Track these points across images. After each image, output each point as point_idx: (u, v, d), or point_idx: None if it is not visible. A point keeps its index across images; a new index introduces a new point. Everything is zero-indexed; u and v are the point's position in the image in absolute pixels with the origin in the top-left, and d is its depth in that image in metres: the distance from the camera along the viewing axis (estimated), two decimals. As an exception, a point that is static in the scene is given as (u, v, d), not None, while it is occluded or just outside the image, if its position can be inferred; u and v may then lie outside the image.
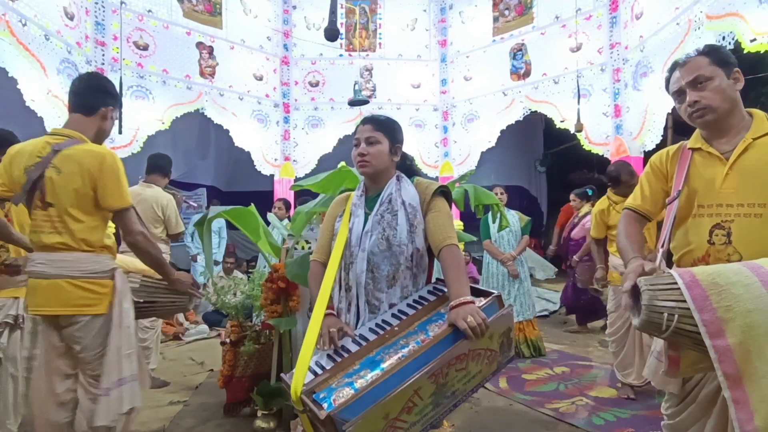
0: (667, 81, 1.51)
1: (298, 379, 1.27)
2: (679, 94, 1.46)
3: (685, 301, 1.15)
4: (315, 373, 1.31)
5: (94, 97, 1.86)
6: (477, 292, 1.47)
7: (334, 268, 1.55)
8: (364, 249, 1.55)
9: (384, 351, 1.32)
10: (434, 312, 1.45)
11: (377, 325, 1.45)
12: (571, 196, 5.49)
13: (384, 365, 1.26)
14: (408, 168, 1.77)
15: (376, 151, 1.61)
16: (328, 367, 1.31)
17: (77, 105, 1.85)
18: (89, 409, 1.72)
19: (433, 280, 1.65)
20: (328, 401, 1.18)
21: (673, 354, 1.32)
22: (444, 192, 1.63)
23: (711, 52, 1.43)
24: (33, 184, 1.70)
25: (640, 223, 1.59)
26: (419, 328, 1.39)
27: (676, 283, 1.18)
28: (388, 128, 1.66)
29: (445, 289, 1.51)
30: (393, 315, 1.47)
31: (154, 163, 3.52)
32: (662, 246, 1.42)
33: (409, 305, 1.50)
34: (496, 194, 4.49)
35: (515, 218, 4.52)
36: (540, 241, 9.39)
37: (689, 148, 1.50)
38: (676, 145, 1.57)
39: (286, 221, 4.59)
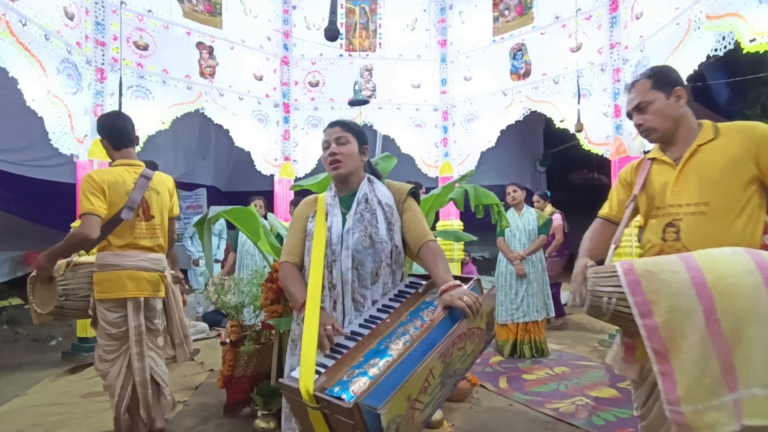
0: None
1: (308, 377, 1.26)
2: (630, 115, 1.67)
3: (622, 286, 1.30)
4: (317, 372, 1.31)
5: (134, 131, 2.45)
6: (456, 279, 1.55)
7: (320, 267, 1.56)
8: (347, 247, 1.58)
9: (385, 341, 1.35)
10: (420, 302, 1.52)
11: (366, 320, 1.48)
12: (535, 197, 5.78)
13: (391, 352, 1.29)
14: (373, 172, 1.82)
15: (348, 150, 1.67)
16: (329, 365, 1.31)
17: (128, 141, 2.40)
18: (154, 364, 2.37)
19: (406, 277, 1.71)
20: (347, 393, 1.18)
21: (628, 341, 1.46)
22: (414, 193, 1.73)
23: (653, 75, 1.60)
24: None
25: (608, 229, 1.76)
26: (411, 316, 1.45)
27: (617, 271, 1.33)
28: (355, 130, 1.73)
29: (422, 282, 1.61)
30: (379, 310, 1.52)
31: None
32: (614, 243, 1.60)
33: (391, 299, 1.56)
34: (509, 193, 4.48)
35: (533, 216, 4.46)
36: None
37: (648, 158, 1.69)
38: (640, 158, 1.76)
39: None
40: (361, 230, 1.59)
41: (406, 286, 1.63)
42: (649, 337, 1.23)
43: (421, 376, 1.20)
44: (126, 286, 2.25)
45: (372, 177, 1.74)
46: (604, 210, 1.80)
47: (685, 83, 1.60)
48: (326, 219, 1.65)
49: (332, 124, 1.74)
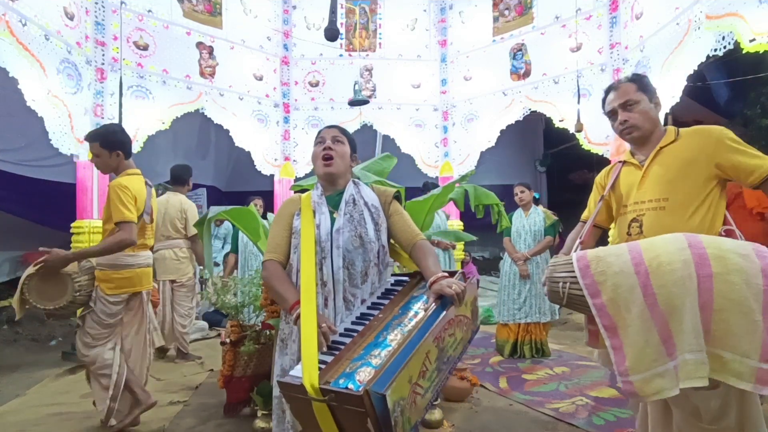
0: (603, 101, 1.80)
1: (311, 372, 1.26)
2: (612, 114, 1.75)
3: (574, 271, 1.43)
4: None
5: None
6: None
7: (312, 263, 1.57)
8: (338, 246, 1.61)
9: (382, 333, 1.38)
10: (409, 297, 1.58)
11: (358, 317, 1.52)
12: None
13: (391, 343, 1.32)
14: None
15: (342, 150, 1.74)
16: (329, 361, 1.32)
17: (131, 152, 2.65)
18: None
19: (390, 278, 1.76)
20: (353, 382, 1.19)
21: (592, 328, 1.58)
22: (397, 197, 1.82)
23: (637, 79, 1.73)
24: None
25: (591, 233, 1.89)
26: (403, 310, 1.50)
27: (572, 260, 1.47)
28: (350, 137, 1.81)
29: (408, 280, 1.67)
30: (369, 307, 1.57)
31: (176, 175, 4.35)
32: (579, 238, 1.73)
33: (380, 297, 1.61)
34: (516, 193, 4.45)
35: (540, 217, 4.42)
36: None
37: (619, 162, 1.83)
38: (613, 163, 1.90)
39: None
40: (351, 230, 1.63)
41: (392, 284, 1.68)
42: (599, 314, 1.35)
43: (419, 359, 1.24)
44: (142, 281, 2.60)
45: (357, 180, 1.80)
46: (584, 214, 1.96)
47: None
48: (314, 216, 1.66)
49: (329, 126, 1.82)
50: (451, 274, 1.58)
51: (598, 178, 1.93)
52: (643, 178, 1.67)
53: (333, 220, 1.65)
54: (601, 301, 1.35)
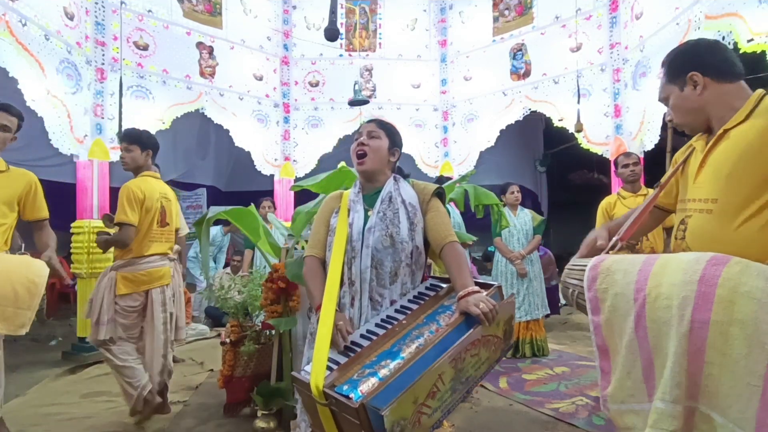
0: None
1: (319, 373, 1.26)
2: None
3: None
4: (329, 369, 1.31)
5: None
6: (477, 285, 1.52)
7: (339, 263, 1.56)
8: (368, 245, 1.57)
9: (399, 343, 1.34)
10: (438, 305, 1.50)
11: (383, 320, 1.47)
12: None
13: (403, 354, 1.28)
14: (401, 175, 1.83)
15: (376, 145, 1.68)
16: (342, 362, 1.31)
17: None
18: None
19: (427, 280, 1.69)
20: (355, 392, 1.18)
21: None
22: (439, 193, 1.71)
23: (666, 64, 1.38)
24: None
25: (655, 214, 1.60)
26: (428, 319, 1.43)
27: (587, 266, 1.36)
28: (390, 130, 1.75)
29: (443, 286, 1.58)
30: (396, 310, 1.51)
31: None
32: (617, 236, 1.44)
33: (410, 301, 1.54)
34: (512, 192, 4.49)
35: (528, 217, 4.48)
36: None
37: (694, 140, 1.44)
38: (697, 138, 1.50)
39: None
40: (382, 229, 1.58)
41: (426, 288, 1.61)
42: (594, 332, 1.29)
43: (429, 381, 1.19)
44: (151, 282, 2.70)
45: (398, 176, 1.74)
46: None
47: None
48: (348, 215, 1.65)
49: (369, 120, 1.77)
50: (485, 287, 1.49)
51: (678, 155, 1.51)
52: (699, 168, 1.32)
53: (367, 219, 1.62)
54: (599, 319, 1.26)
